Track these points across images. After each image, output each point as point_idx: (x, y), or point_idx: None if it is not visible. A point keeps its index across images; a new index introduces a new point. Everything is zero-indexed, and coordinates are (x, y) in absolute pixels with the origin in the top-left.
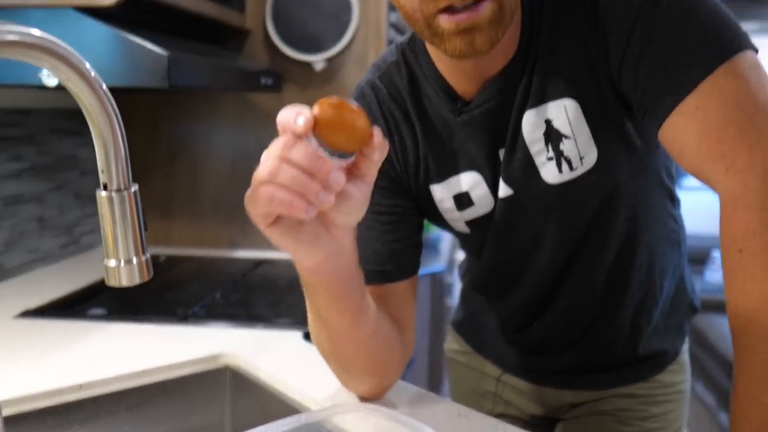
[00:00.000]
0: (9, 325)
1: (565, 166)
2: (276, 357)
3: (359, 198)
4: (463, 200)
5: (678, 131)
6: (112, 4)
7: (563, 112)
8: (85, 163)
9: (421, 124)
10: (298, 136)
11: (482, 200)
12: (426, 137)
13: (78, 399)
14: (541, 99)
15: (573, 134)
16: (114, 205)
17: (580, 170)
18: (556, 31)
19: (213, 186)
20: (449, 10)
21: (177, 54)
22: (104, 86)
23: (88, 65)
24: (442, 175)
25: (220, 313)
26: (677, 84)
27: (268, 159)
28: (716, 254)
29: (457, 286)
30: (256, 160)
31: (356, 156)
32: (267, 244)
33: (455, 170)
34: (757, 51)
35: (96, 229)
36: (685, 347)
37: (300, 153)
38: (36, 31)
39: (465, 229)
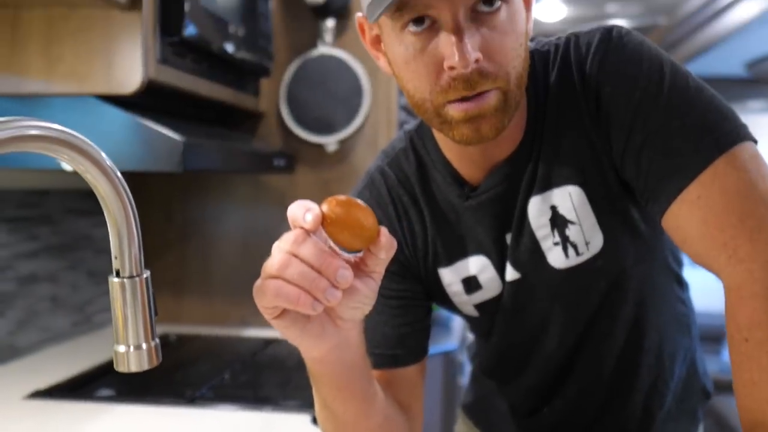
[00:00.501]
0: (19, 406)
1: (571, 251)
2: None
3: (367, 293)
4: (471, 284)
5: (681, 219)
6: (131, 92)
7: (568, 198)
8: (99, 243)
9: (430, 209)
10: (307, 232)
11: (490, 284)
12: (434, 222)
13: None
14: (547, 185)
15: (578, 220)
16: (126, 291)
17: (586, 255)
18: (560, 121)
19: (225, 265)
20: (458, 99)
21: (192, 139)
22: (120, 177)
23: (105, 156)
24: (450, 259)
25: (228, 395)
26: (679, 173)
27: (278, 252)
28: None
29: (469, 365)
30: (267, 240)
31: (364, 252)
32: None
33: (463, 254)
34: (756, 142)
35: (108, 308)
36: None
37: (309, 249)
38: (56, 126)
39: (474, 313)
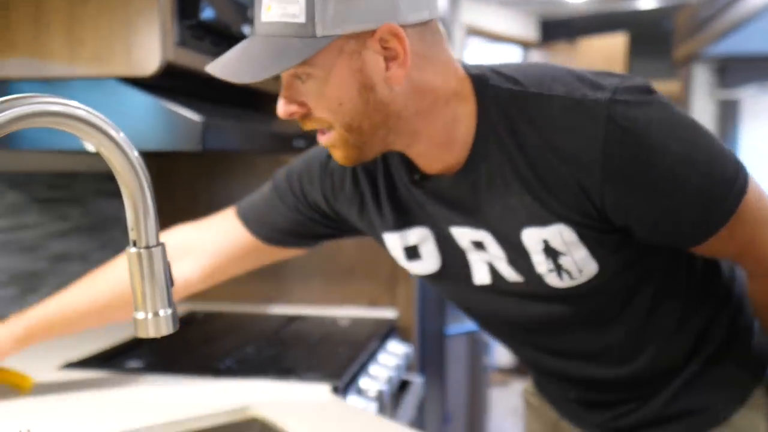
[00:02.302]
0: (53, 376)
1: (565, 275)
2: (303, 409)
3: None
4: (411, 252)
5: (707, 250)
6: (150, 74)
7: (559, 235)
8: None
9: (385, 179)
10: None
11: (429, 257)
12: (387, 190)
13: None
14: (533, 221)
15: (569, 253)
16: (142, 261)
17: (580, 280)
18: (559, 168)
19: None
20: None
21: (211, 119)
22: (134, 150)
23: (118, 131)
24: (395, 226)
25: (252, 367)
26: (707, 225)
27: None
28: None
29: (495, 345)
30: None
31: None
32: (301, 301)
33: (408, 224)
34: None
35: None
36: (748, 413)
37: None
38: (74, 103)
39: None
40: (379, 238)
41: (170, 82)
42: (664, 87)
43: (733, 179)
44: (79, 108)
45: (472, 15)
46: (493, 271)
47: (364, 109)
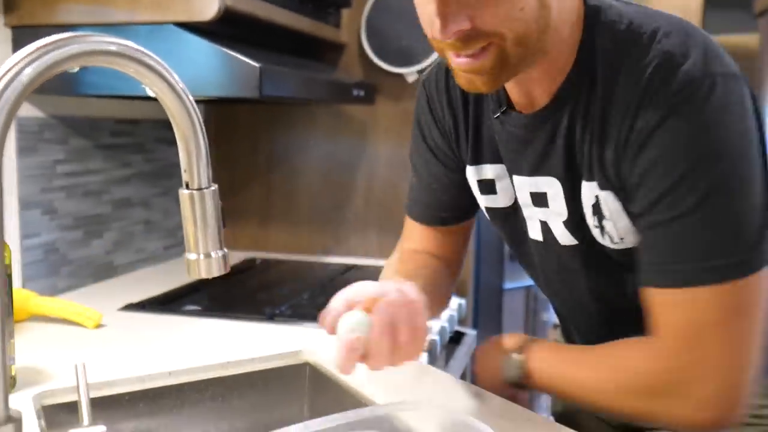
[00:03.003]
0: (113, 316)
1: (607, 239)
2: None
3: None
4: (486, 186)
5: (650, 301)
6: (209, 19)
7: (604, 198)
8: None
9: (475, 111)
10: None
11: (504, 193)
12: (475, 122)
13: (166, 385)
14: (592, 177)
15: (612, 218)
16: (195, 203)
17: (621, 246)
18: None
19: (308, 194)
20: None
21: (269, 66)
22: (187, 92)
23: (171, 72)
24: (475, 160)
25: (305, 314)
26: (676, 276)
27: None
28: None
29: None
30: (349, 171)
31: None
32: (357, 251)
33: (487, 159)
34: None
35: None
36: None
37: None
38: (129, 43)
39: (486, 216)
40: (464, 170)
41: (229, 30)
42: (743, 41)
43: (756, 242)
44: (133, 48)
45: None
46: (546, 230)
47: (539, 15)
